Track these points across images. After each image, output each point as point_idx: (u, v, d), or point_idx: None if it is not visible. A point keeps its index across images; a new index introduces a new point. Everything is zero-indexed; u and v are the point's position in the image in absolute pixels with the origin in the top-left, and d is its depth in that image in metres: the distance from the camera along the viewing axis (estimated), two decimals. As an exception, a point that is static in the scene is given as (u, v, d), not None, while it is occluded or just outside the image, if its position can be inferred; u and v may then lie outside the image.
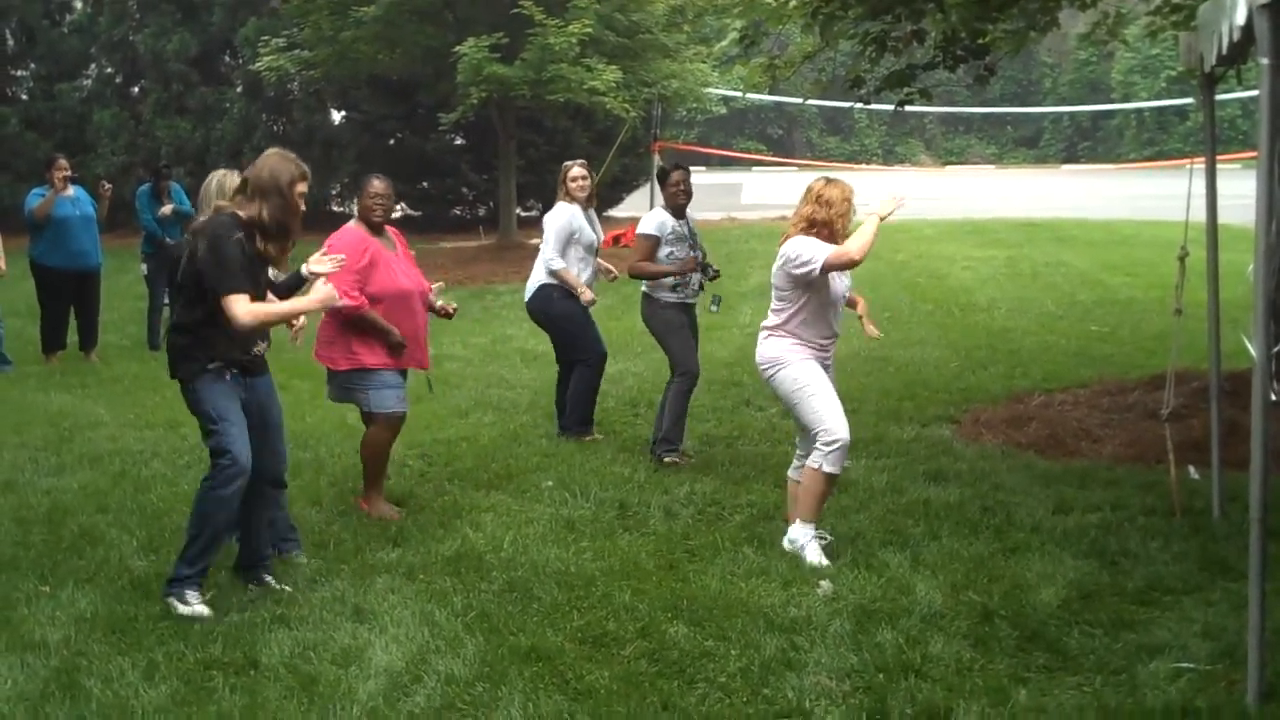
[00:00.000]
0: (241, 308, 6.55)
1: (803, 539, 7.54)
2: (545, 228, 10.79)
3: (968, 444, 10.37)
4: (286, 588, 7.05)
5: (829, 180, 8.01)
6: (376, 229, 8.53)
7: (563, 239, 10.57)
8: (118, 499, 8.95)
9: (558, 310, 10.74)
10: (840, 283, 7.87)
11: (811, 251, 7.63)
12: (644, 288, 10.40)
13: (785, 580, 7.14)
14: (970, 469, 9.48)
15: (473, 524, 8.23)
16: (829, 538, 7.63)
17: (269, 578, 7.13)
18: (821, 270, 7.58)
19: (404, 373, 8.69)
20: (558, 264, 10.59)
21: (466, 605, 6.78)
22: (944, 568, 7.29)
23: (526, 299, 10.96)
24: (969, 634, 6.30)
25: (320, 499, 8.88)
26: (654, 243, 10.08)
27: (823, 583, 7.06)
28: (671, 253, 10.10)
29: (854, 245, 7.61)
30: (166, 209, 15.50)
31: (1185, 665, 5.84)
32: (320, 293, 6.79)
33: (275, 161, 6.86)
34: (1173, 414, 8.90)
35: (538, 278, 10.79)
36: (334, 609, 6.75)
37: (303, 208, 6.87)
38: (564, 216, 10.66)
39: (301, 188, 6.87)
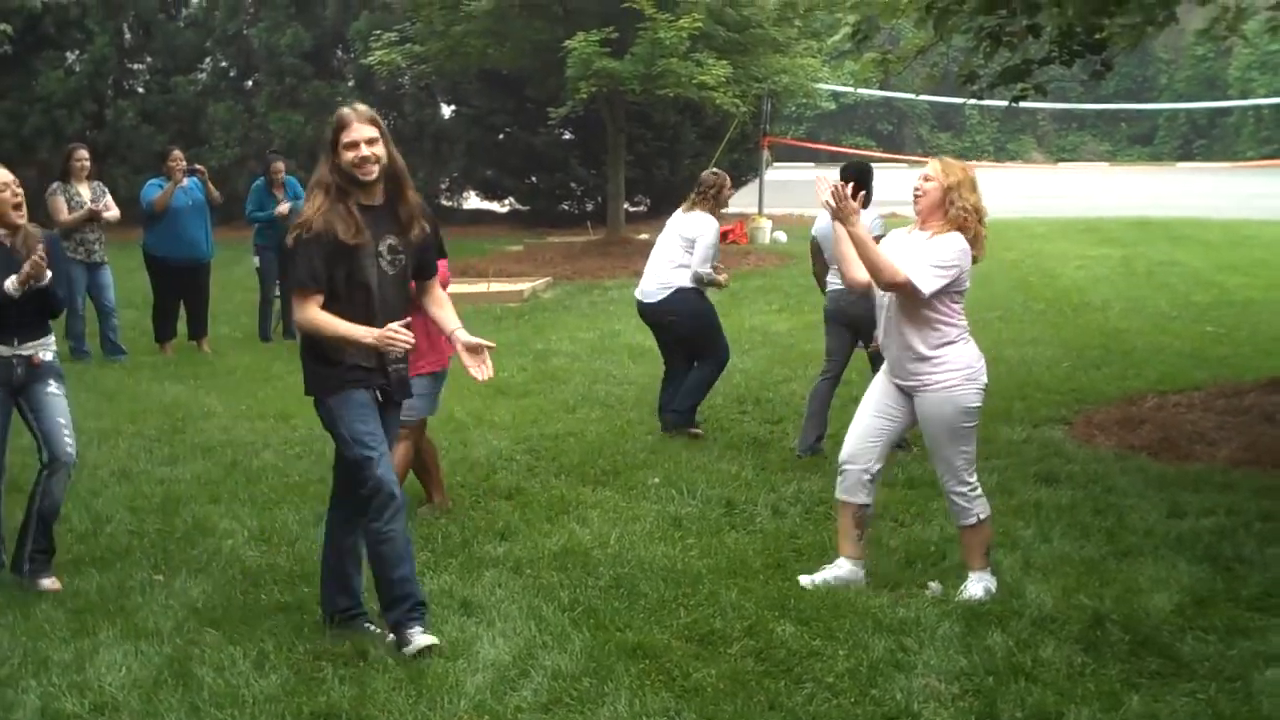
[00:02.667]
0: None
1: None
2: (695, 239, 10.64)
3: (1080, 446, 10.23)
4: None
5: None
6: None
7: (713, 253, 10.62)
8: (230, 489, 9.06)
9: (702, 309, 10.80)
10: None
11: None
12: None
13: (893, 581, 7.08)
14: (1082, 471, 9.35)
15: (579, 519, 8.24)
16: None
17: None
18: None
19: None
20: (708, 273, 10.63)
21: (573, 600, 6.79)
22: (1055, 571, 7.21)
23: (655, 301, 10.78)
24: (1080, 638, 6.21)
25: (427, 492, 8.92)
26: None
27: (932, 584, 7.00)
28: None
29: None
30: (284, 207, 15.63)
31: (1303, 673, 5.73)
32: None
33: None
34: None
35: (673, 280, 10.70)
36: (442, 602, 6.77)
37: None
38: (714, 231, 10.69)
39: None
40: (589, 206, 32.47)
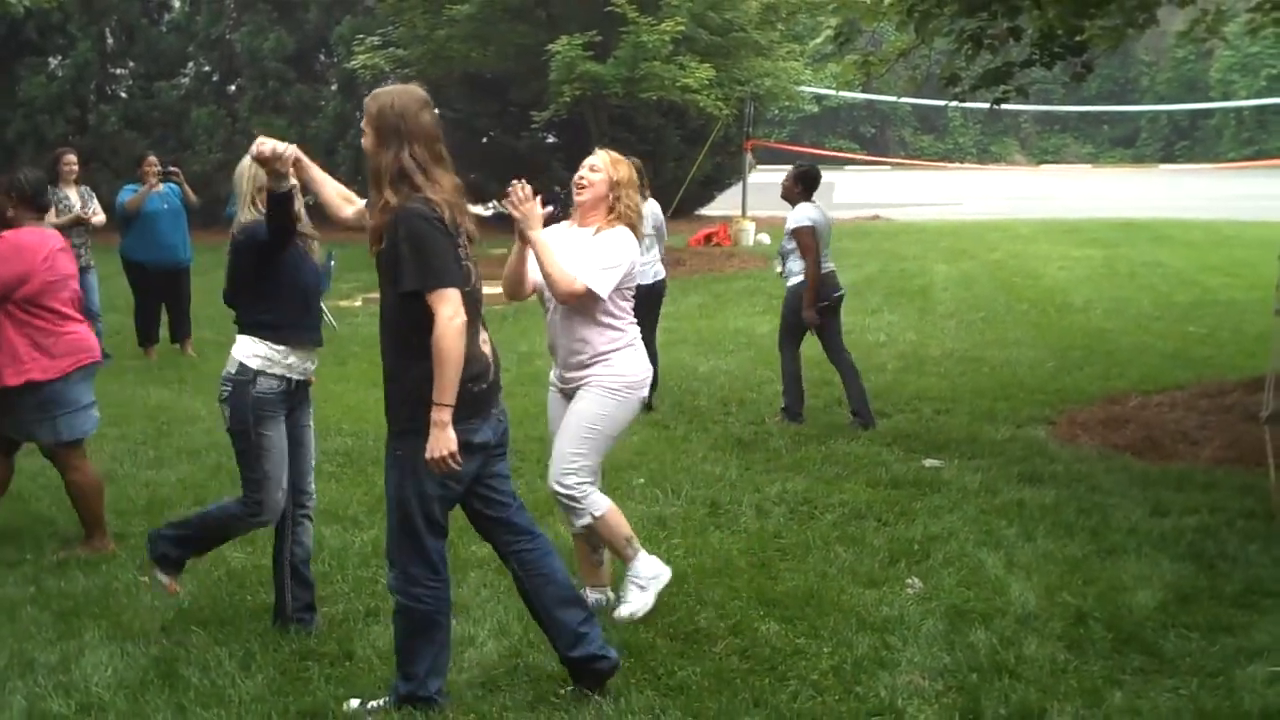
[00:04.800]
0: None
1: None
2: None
3: (1063, 445, 10.27)
4: None
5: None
6: None
7: None
8: (215, 492, 9.04)
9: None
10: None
11: None
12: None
13: (876, 580, 7.11)
14: (1066, 470, 9.39)
15: (565, 520, 8.24)
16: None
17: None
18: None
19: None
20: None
21: (558, 600, 6.79)
22: (1039, 569, 7.23)
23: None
24: (1064, 635, 6.24)
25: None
26: None
27: (912, 580, 7.03)
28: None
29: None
30: None
31: (1284, 669, 5.76)
32: None
33: None
34: (1273, 416, 8.78)
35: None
36: (427, 602, 6.77)
37: None
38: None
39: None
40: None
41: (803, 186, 11.30)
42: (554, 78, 22.44)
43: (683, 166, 29.06)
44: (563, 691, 5.66)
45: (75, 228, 14.15)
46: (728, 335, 15.70)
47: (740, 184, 31.13)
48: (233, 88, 35.01)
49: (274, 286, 6.13)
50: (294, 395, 6.30)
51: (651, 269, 11.21)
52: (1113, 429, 10.62)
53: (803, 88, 30.96)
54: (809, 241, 10.93)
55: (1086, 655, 6.02)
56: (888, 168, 55.55)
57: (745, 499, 8.74)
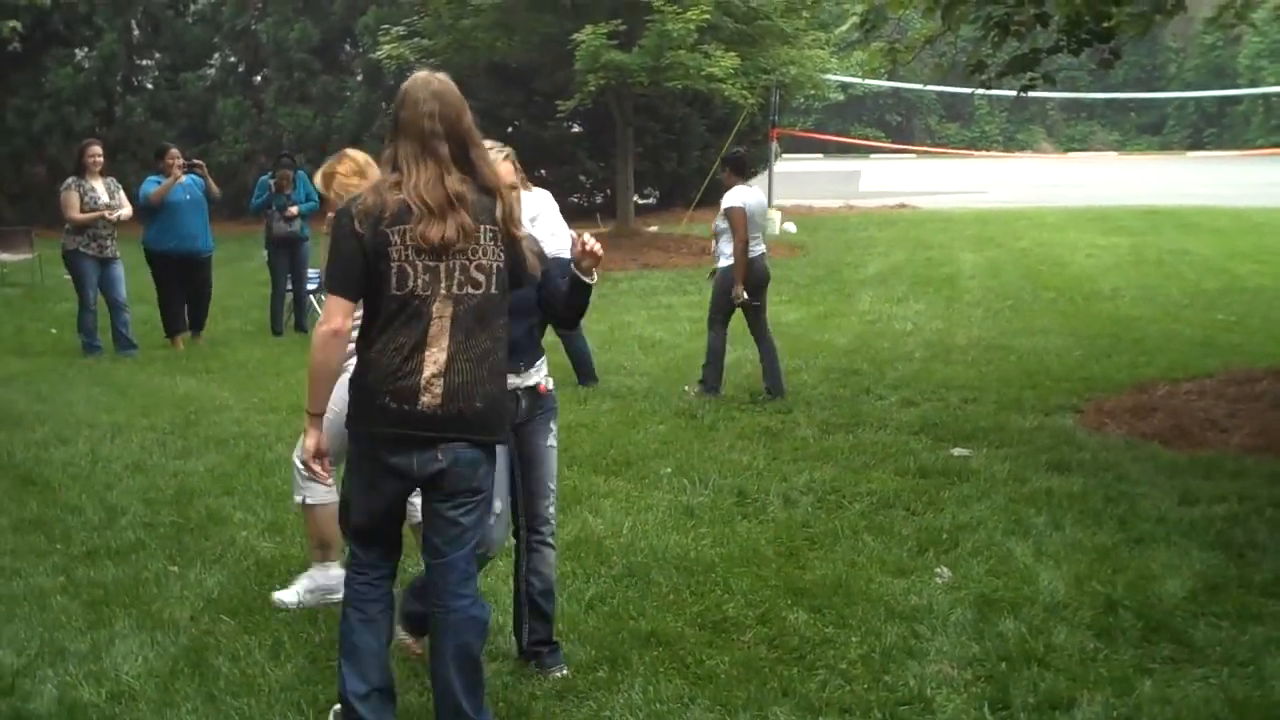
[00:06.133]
0: None
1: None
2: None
3: (1091, 433, 10.24)
4: None
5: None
6: None
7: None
8: (243, 482, 9.08)
9: None
10: None
11: None
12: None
13: (905, 569, 7.10)
14: (1094, 459, 9.36)
15: (592, 509, 8.25)
16: None
17: None
18: None
19: None
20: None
21: (586, 589, 6.81)
22: (1067, 558, 7.21)
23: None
24: (1093, 624, 6.22)
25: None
26: None
27: (941, 569, 7.02)
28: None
29: None
30: (293, 210, 15.80)
31: (1315, 658, 5.73)
32: None
33: None
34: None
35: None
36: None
37: None
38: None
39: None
40: (598, 199, 32.52)
41: (734, 170, 11.93)
42: (579, 67, 22.45)
43: (708, 156, 29.04)
44: (592, 678, 5.67)
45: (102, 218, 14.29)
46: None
47: (766, 173, 31.08)
48: (258, 78, 35.10)
49: None
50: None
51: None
52: (1140, 417, 10.58)
53: (828, 76, 30.92)
54: (740, 219, 11.42)
55: (1116, 644, 6.00)
56: (913, 156, 55.42)
57: (773, 488, 8.73)
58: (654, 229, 27.39)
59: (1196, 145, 62.96)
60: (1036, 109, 68.88)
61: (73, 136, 28.25)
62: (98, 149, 14.47)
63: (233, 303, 15.90)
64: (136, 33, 35.29)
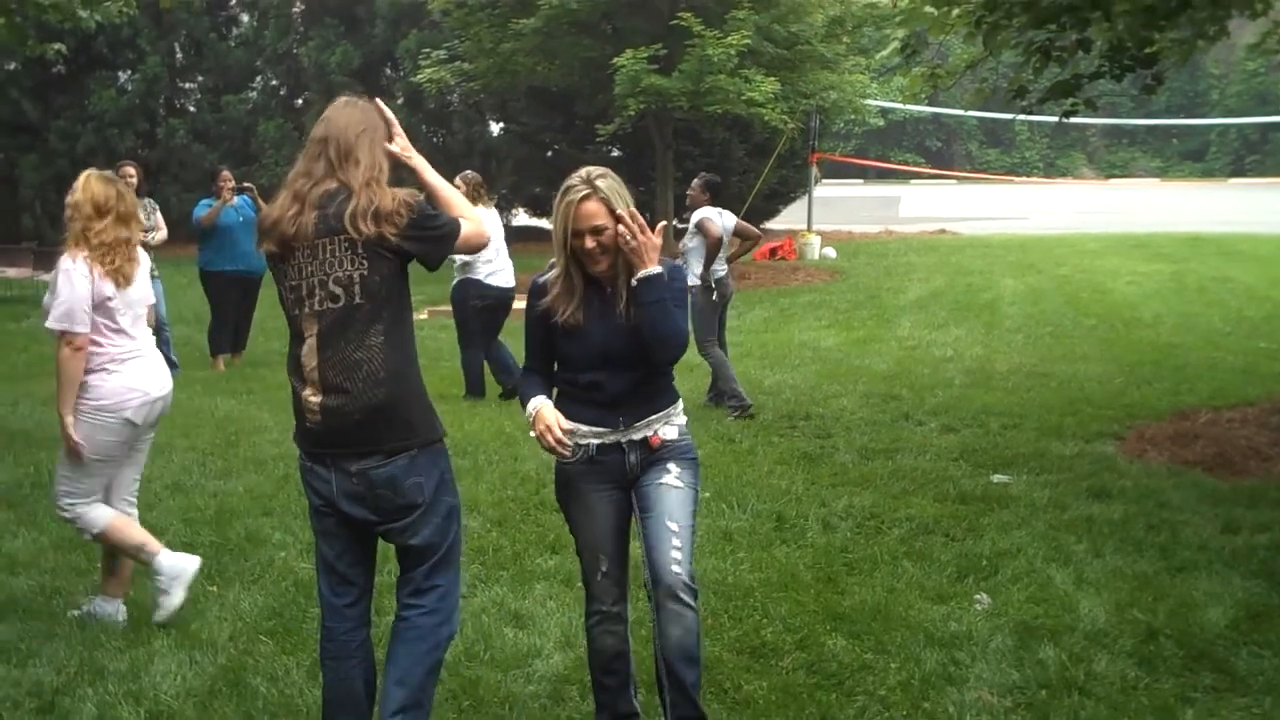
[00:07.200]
0: None
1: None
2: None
3: (1132, 461, 10.18)
4: None
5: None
6: None
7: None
8: (282, 503, 9.11)
9: None
10: None
11: None
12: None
13: (944, 595, 7.07)
14: (1135, 486, 9.30)
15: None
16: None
17: None
18: None
19: None
20: None
21: (624, 613, 6.79)
22: (1108, 585, 7.17)
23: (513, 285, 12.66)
24: (1134, 652, 6.18)
25: (478, 506, 8.93)
26: None
27: (981, 596, 6.98)
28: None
29: None
30: None
31: (1361, 690, 5.68)
32: None
33: None
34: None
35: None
36: (494, 614, 6.81)
37: None
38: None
39: None
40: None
41: (710, 194, 12.44)
42: (619, 91, 22.49)
43: (747, 180, 29.03)
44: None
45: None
46: (793, 349, 15.66)
47: (806, 198, 31.07)
48: (299, 101, 35.33)
49: None
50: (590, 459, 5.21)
51: (502, 275, 12.89)
52: (1182, 444, 10.51)
53: (868, 101, 30.93)
54: (714, 229, 11.94)
55: (1157, 672, 5.95)
56: (954, 181, 55.34)
57: (811, 513, 8.71)
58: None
59: (1238, 172, 62.62)
60: (1077, 135, 68.67)
61: (116, 158, 28.34)
62: (131, 170, 14.55)
63: (273, 324, 15.88)
64: (179, 55, 35.60)
